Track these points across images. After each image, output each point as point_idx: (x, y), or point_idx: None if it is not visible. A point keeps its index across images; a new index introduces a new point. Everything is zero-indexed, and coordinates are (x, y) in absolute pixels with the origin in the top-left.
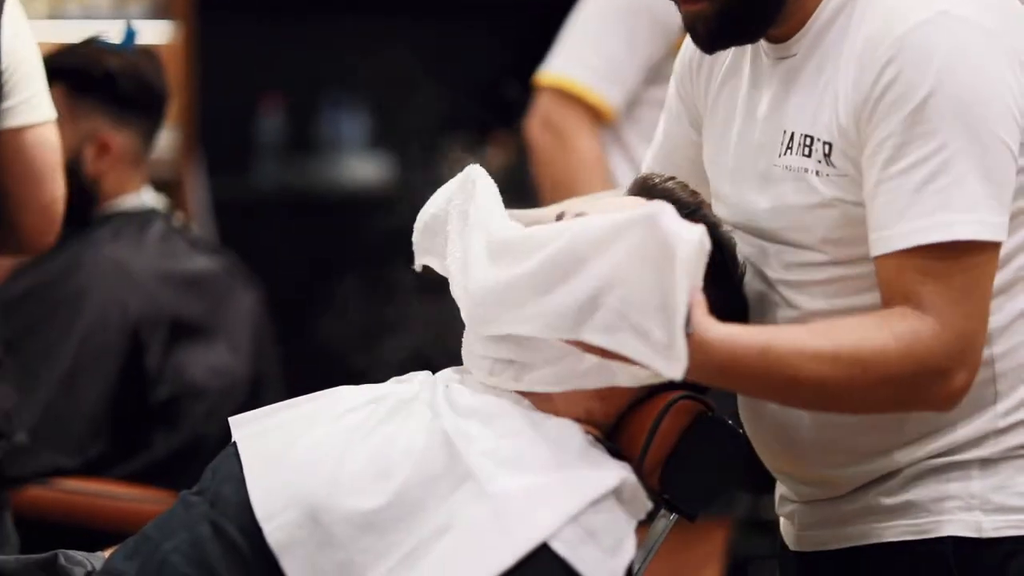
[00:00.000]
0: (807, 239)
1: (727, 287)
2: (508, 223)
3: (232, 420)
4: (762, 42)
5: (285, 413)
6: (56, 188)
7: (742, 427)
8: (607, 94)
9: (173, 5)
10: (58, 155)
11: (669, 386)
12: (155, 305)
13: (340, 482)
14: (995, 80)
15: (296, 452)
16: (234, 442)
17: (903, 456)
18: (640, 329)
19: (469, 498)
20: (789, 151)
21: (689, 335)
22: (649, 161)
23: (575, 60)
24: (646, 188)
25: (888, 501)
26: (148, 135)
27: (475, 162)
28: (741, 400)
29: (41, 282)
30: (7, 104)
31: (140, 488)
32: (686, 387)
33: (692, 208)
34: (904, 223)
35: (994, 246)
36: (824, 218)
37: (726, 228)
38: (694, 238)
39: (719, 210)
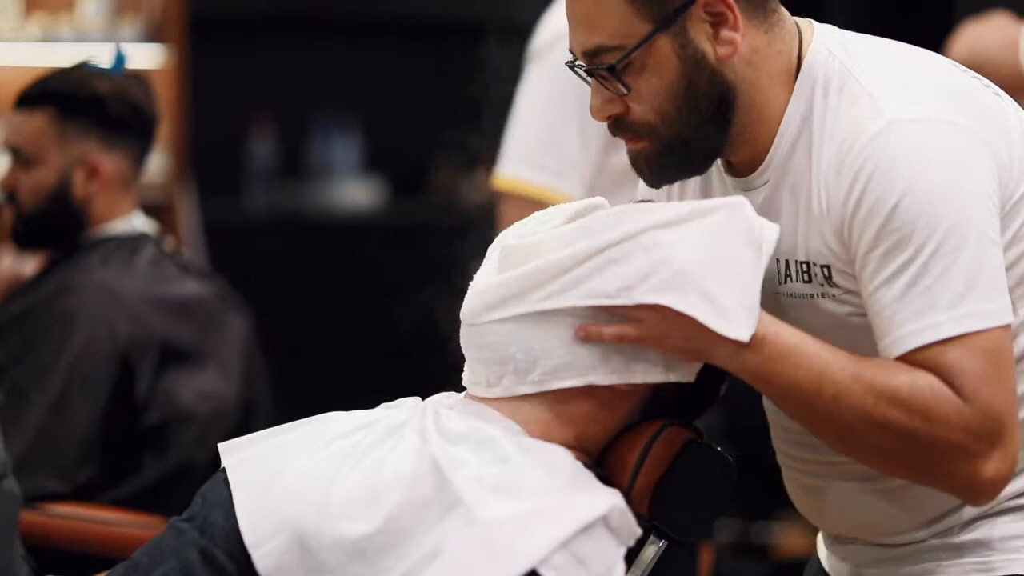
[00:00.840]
0: None
1: None
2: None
3: (222, 446)
4: (725, 175)
5: (275, 439)
6: None
7: (731, 454)
8: (567, 189)
9: (165, 29)
10: None
11: (658, 413)
12: (145, 330)
13: (329, 508)
14: (957, 171)
15: (285, 478)
16: (223, 468)
17: (970, 510)
18: (708, 293)
19: (459, 524)
20: (789, 279)
21: None
22: None
23: (528, 161)
24: None
25: (952, 540)
26: (138, 159)
27: (465, 188)
28: (793, 475)
29: (31, 306)
30: None
31: (130, 513)
32: (675, 414)
33: None
34: (896, 329)
35: (1000, 329)
36: (844, 335)
37: None
38: (775, 229)
39: None
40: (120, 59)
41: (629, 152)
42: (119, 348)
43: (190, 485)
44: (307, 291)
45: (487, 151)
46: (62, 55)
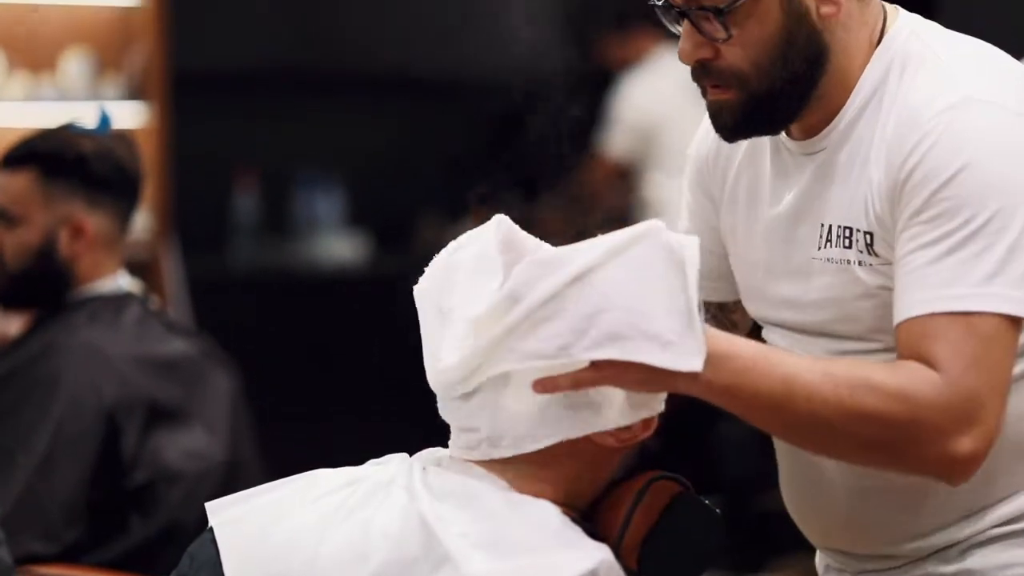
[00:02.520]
0: (856, 329)
1: None
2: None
3: (209, 505)
4: (783, 137)
5: (262, 497)
6: None
7: (719, 507)
8: None
9: (147, 87)
10: None
11: (645, 466)
12: (131, 389)
13: (317, 566)
14: (1020, 160)
15: (273, 537)
16: (211, 528)
17: (966, 528)
18: (650, 333)
19: None
20: (829, 244)
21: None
22: None
23: None
24: None
25: (948, 569)
26: (123, 218)
27: (450, 238)
28: (788, 478)
29: (16, 366)
30: None
31: (117, 575)
32: (663, 467)
33: None
34: (919, 292)
35: (1013, 320)
36: (872, 307)
37: None
38: (695, 242)
39: (750, 306)
40: (105, 119)
41: (710, 102)
42: (105, 408)
43: (178, 545)
44: (292, 346)
45: (471, 205)
46: (45, 114)
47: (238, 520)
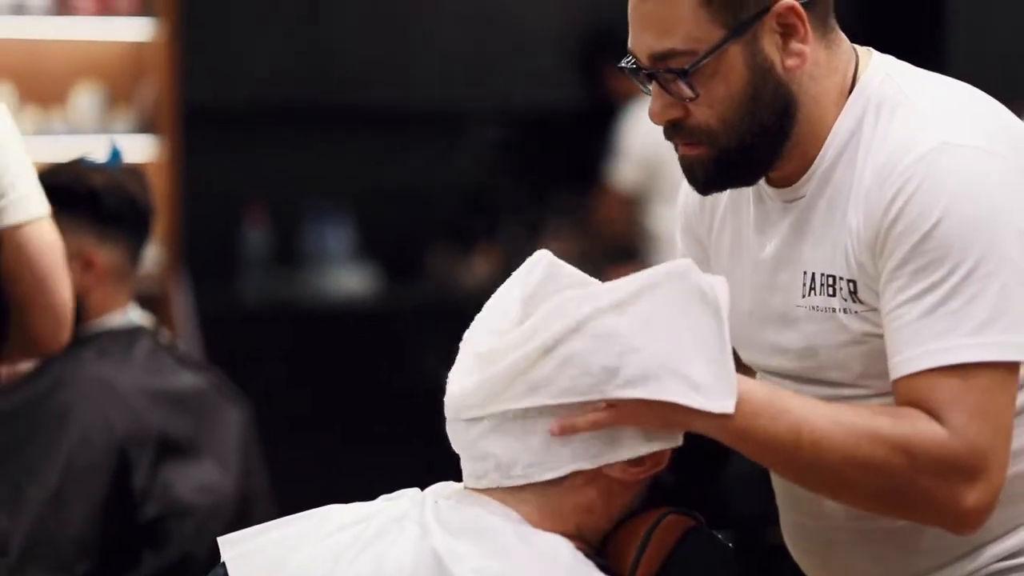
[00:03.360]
0: (845, 376)
1: None
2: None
3: (221, 540)
4: (764, 185)
5: (275, 532)
6: (62, 288)
7: (731, 542)
8: None
9: (157, 121)
10: (59, 254)
11: (657, 501)
12: (141, 423)
13: None
14: (1002, 202)
15: (286, 571)
16: (223, 562)
17: (967, 565)
18: (681, 373)
19: None
20: (812, 292)
21: None
22: None
23: None
24: None
25: None
26: (134, 252)
27: (460, 273)
28: (786, 518)
29: (27, 400)
30: (4, 201)
31: None
32: (675, 502)
33: None
34: (913, 347)
35: (1009, 365)
36: (860, 354)
37: None
38: (724, 283)
39: (743, 353)
40: (116, 153)
41: (683, 158)
42: (116, 442)
43: None
44: (302, 379)
45: (480, 236)
46: (55, 148)
47: (251, 554)
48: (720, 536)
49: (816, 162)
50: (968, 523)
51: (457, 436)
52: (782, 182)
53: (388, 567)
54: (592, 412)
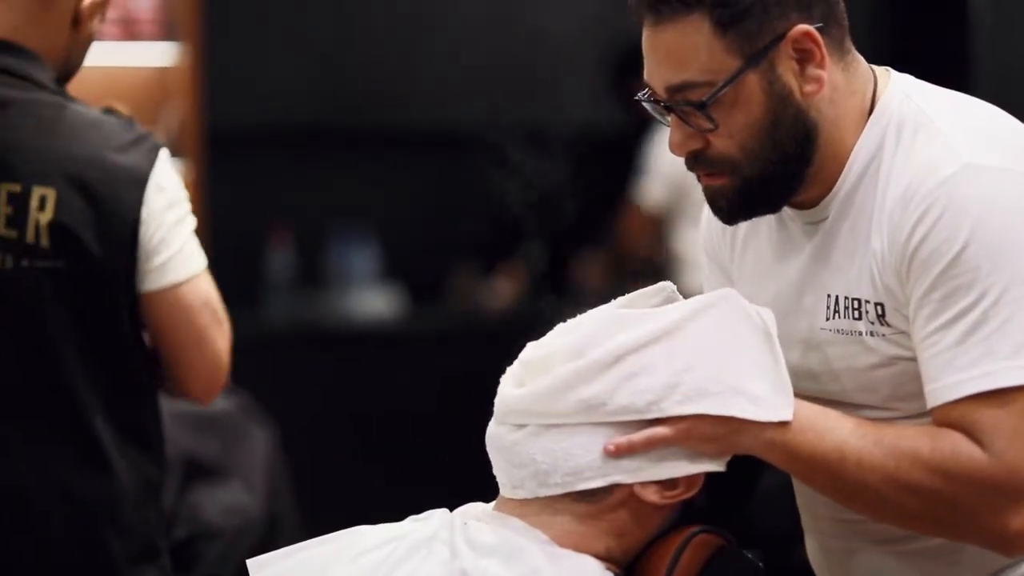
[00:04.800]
0: (872, 399)
1: None
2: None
3: (251, 562)
4: (785, 208)
5: (304, 553)
6: (217, 344)
7: (762, 561)
8: None
9: (182, 143)
10: (214, 307)
11: (687, 520)
12: (169, 446)
13: None
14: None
15: None
16: None
17: None
18: (738, 388)
19: None
20: (837, 315)
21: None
22: None
23: None
24: None
25: None
26: None
27: (484, 294)
28: (816, 549)
29: None
30: (156, 262)
31: None
32: (705, 521)
33: None
34: (950, 375)
35: None
36: (887, 377)
37: None
38: (769, 311)
39: None
40: None
41: (706, 188)
42: None
43: None
44: (327, 400)
45: (505, 258)
46: None
47: None
48: (750, 555)
49: (838, 184)
50: (1012, 546)
51: (497, 440)
52: (804, 205)
53: None
54: (648, 429)
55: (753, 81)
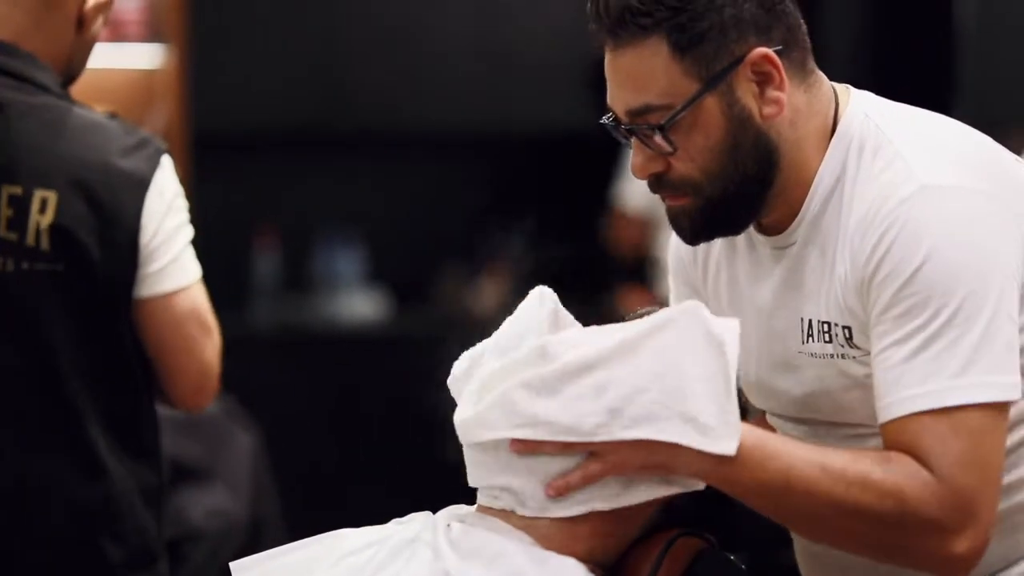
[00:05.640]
0: (853, 418)
1: None
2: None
3: (234, 565)
4: (754, 233)
5: (287, 557)
6: (205, 354)
7: (744, 563)
8: None
9: (168, 145)
10: (204, 317)
11: (671, 523)
12: None
13: None
14: (986, 241)
15: None
16: None
17: None
18: (687, 415)
19: None
20: (811, 339)
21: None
22: None
23: None
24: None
25: None
26: None
27: (469, 296)
28: (805, 555)
29: None
30: (153, 268)
31: None
32: (688, 523)
33: None
34: (898, 391)
35: (995, 406)
36: (861, 398)
37: None
38: (736, 326)
39: (754, 399)
40: None
41: (669, 209)
42: None
43: None
44: (313, 404)
45: (489, 260)
46: None
47: None
48: (732, 558)
49: (803, 209)
50: (957, 569)
51: (472, 463)
52: (772, 230)
53: None
54: (581, 467)
55: (712, 104)
